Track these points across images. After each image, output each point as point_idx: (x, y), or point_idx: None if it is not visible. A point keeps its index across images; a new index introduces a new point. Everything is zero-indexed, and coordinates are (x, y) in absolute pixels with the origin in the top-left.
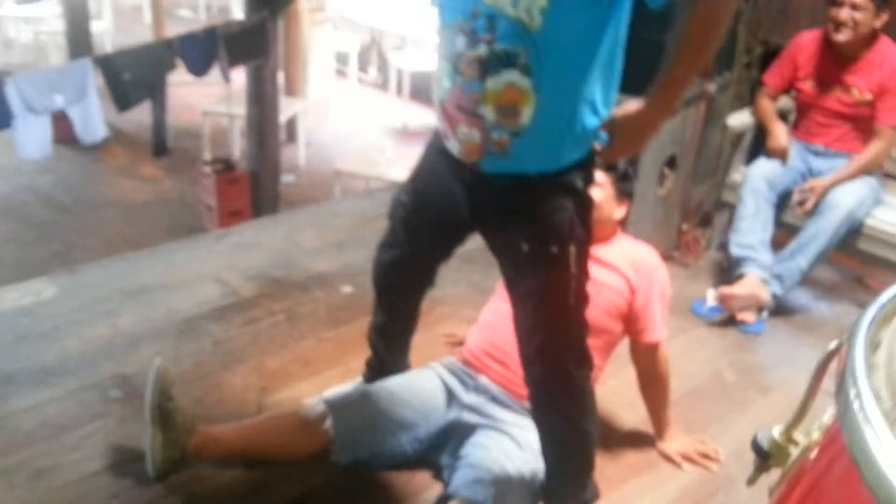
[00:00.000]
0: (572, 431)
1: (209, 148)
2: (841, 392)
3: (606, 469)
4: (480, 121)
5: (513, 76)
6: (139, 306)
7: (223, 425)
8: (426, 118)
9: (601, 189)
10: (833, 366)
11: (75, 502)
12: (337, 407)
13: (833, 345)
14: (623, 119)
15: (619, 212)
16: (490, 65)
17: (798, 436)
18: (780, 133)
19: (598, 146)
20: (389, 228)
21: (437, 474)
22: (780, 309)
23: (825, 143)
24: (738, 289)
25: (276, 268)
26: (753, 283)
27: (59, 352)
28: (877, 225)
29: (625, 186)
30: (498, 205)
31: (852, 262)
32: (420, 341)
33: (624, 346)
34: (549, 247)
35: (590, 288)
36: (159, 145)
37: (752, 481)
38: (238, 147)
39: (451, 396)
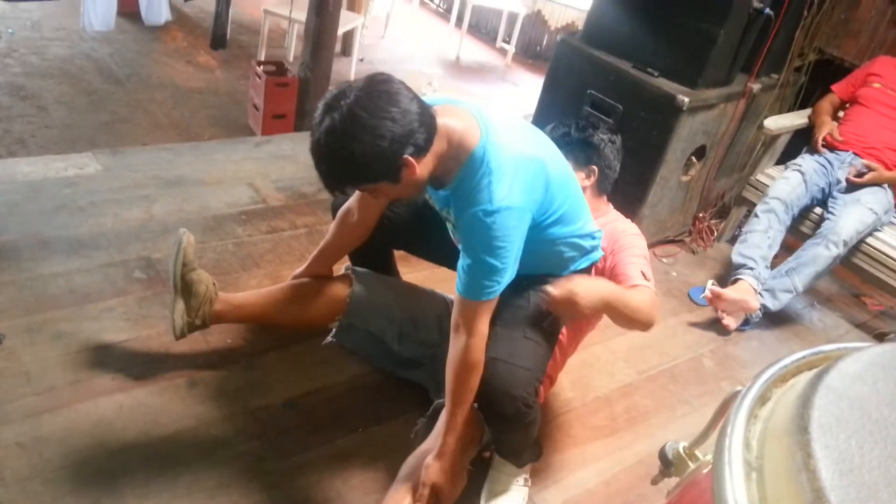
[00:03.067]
0: (513, 439)
1: (265, 47)
2: (721, 433)
3: (572, 428)
4: None
5: None
6: (174, 197)
7: (244, 293)
8: (480, 55)
9: None
10: None
11: (88, 367)
12: (362, 276)
13: (738, 388)
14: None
15: (586, 181)
16: None
17: (699, 453)
18: (829, 127)
19: None
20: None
21: (423, 394)
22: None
23: (861, 151)
24: (728, 291)
25: (306, 183)
26: (745, 290)
27: (93, 226)
28: (877, 245)
29: (586, 153)
30: None
31: (854, 278)
32: None
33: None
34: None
35: None
36: (218, 38)
37: (655, 482)
38: (293, 51)
39: (444, 327)
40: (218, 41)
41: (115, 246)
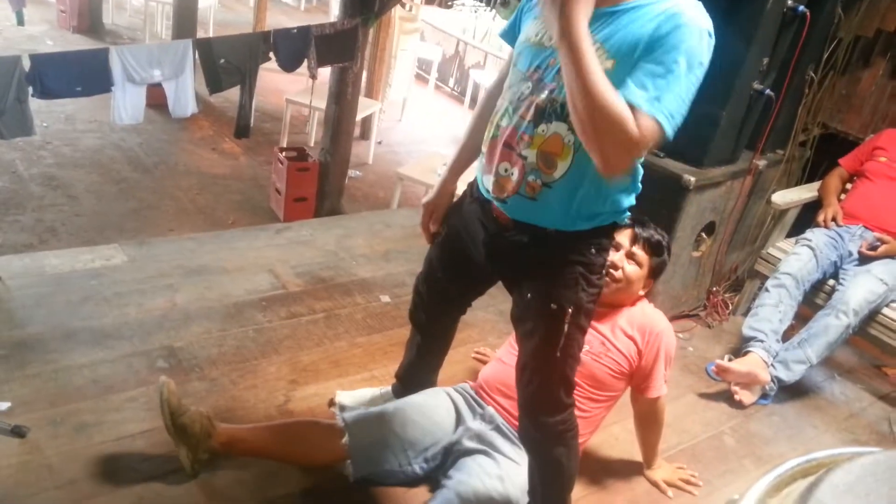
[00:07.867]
0: (551, 466)
1: (287, 133)
2: None
3: None
4: (522, 161)
5: (561, 128)
6: (196, 285)
7: (246, 426)
8: None
9: (639, 267)
10: None
11: (109, 459)
12: (354, 425)
13: (735, 496)
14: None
15: (643, 290)
16: (545, 112)
17: None
18: (834, 209)
19: None
20: (428, 256)
21: (434, 489)
22: (794, 384)
23: (870, 224)
24: (735, 364)
25: (324, 268)
26: (755, 362)
27: (118, 317)
28: (894, 316)
29: (659, 271)
30: (512, 255)
31: (875, 349)
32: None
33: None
34: (548, 302)
35: (600, 348)
36: (242, 128)
37: None
38: (314, 136)
39: (459, 420)
40: (242, 130)
41: (139, 336)
